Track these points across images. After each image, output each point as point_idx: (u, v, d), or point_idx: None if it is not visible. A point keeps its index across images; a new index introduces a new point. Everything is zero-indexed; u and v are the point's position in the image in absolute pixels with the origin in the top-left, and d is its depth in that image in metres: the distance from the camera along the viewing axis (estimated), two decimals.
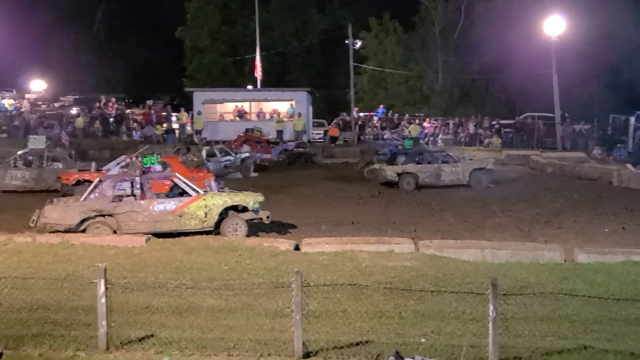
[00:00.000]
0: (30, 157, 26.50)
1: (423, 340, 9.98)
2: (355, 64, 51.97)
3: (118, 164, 24.20)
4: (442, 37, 59.48)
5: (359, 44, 55.83)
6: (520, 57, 50.27)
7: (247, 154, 32.25)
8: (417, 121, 46.01)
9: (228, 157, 30.52)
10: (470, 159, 29.53)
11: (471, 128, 46.07)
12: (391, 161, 29.02)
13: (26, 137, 39.67)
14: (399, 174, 27.46)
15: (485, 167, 28.24)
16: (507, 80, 55.36)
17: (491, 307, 9.28)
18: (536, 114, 47.37)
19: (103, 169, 23.78)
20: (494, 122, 46.27)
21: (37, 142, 27.61)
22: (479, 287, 10.91)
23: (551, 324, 10.69)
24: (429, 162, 28.13)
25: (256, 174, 30.82)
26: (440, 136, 46.70)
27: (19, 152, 27.17)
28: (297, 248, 15.54)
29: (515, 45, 49.43)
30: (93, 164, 25.40)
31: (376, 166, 28.80)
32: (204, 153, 29.34)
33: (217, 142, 32.83)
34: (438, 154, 29.24)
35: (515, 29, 49.55)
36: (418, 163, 28.04)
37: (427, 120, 48.34)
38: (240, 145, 35.68)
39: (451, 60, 58.96)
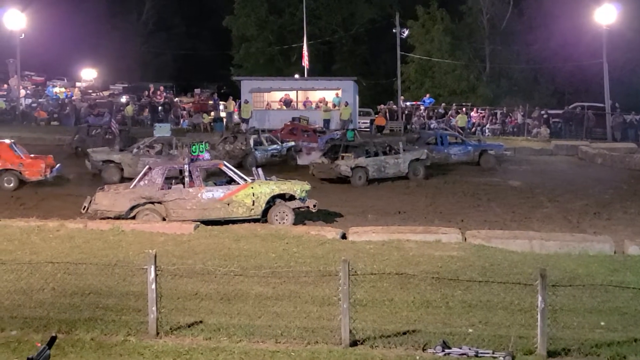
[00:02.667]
0: (157, 145, 27.09)
1: (470, 330, 9.96)
2: (402, 53, 51.76)
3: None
4: (490, 25, 58.91)
5: (406, 32, 55.48)
6: (569, 46, 49.66)
7: (293, 143, 32.19)
8: (464, 110, 45.64)
9: (274, 146, 30.44)
10: (404, 150, 27.86)
11: (519, 118, 45.59)
12: (332, 154, 27.08)
13: (76, 124, 40.47)
14: (352, 169, 25.57)
15: (420, 157, 27.20)
16: (556, 70, 54.71)
17: (540, 298, 9.22)
18: (585, 104, 46.70)
19: None
20: (542, 112, 45.71)
21: (162, 130, 28.62)
22: (527, 278, 10.86)
23: (600, 316, 10.60)
24: (375, 155, 26.62)
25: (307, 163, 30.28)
26: (487, 126, 46.29)
27: (146, 141, 27.72)
28: (344, 237, 15.57)
29: (565, 34, 48.85)
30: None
31: (318, 160, 26.88)
32: (251, 141, 29.20)
33: (263, 131, 32.63)
34: (379, 145, 27.62)
35: (565, 17, 48.92)
36: (367, 156, 26.37)
37: (474, 109, 47.92)
38: (288, 134, 35.75)
39: (499, 50, 58.37)
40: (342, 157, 26.21)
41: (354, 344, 9.45)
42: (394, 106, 48.42)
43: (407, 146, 29.03)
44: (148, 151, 26.57)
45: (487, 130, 45.71)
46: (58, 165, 24.81)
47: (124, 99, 52.40)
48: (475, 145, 32.51)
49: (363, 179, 25.59)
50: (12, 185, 23.14)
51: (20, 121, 46.04)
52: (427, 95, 51.87)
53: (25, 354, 7.19)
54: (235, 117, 45.80)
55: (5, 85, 54.46)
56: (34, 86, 58.60)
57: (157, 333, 9.79)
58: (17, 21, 46.82)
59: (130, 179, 24.44)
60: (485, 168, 30.34)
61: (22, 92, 51.54)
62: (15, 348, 9.31)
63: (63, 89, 55.88)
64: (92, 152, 26.63)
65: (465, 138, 33.77)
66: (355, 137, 29.58)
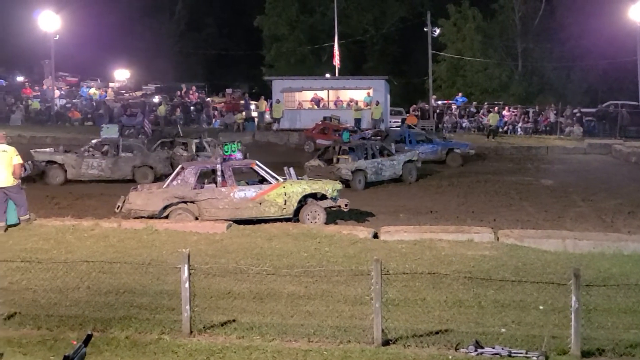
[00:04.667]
0: (105, 147, 26.45)
1: (503, 330, 9.91)
2: (434, 51, 51.61)
3: None
4: (522, 24, 58.61)
5: (437, 31, 55.33)
6: (603, 44, 49.18)
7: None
8: (496, 109, 45.40)
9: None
10: (397, 151, 27.62)
11: (551, 117, 45.26)
12: (328, 157, 26.37)
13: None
14: (352, 172, 24.62)
15: (413, 159, 26.93)
16: (589, 68, 54.26)
17: (573, 298, 9.16)
18: (619, 102, 46.24)
19: None
20: (575, 111, 45.32)
21: (110, 131, 27.55)
22: (560, 278, 10.79)
23: (635, 316, 10.48)
24: (373, 157, 25.86)
25: None
26: (519, 125, 46.02)
27: (93, 141, 27.28)
28: (375, 236, 15.54)
29: (598, 31, 48.38)
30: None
31: (314, 163, 25.67)
32: (193, 147, 27.80)
33: (201, 136, 29.93)
34: (375, 147, 26.74)
35: (598, 15, 48.49)
36: (365, 158, 25.62)
37: (506, 108, 47.65)
38: (319, 134, 35.81)
39: (531, 48, 58.08)
40: (338, 160, 25.55)
41: (386, 343, 9.45)
42: (426, 105, 48.29)
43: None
44: (93, 153, 26.05)
45: (519, 129, 45.46)
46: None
47: (156, 99, 52.87)
48: (442, 143, 32.83)
49: (362, 183, 24.88)
50: None
51: (54, 121, 46.65)
52: (460, 94, 51.72)
53: (62, 352, 7.29)
54: (267, 116, 46.01)
55: (44, 86, 55.11)
56: (68, 87, 59.31)
57: (191, 331, 9.84)
58: (51, 23, 47.39)
59: (74, 181, 24.82)
60: (452, 166, 30.59)
61: (57, 92, 52.22)
62: (51, 346, 9.43)
63: (96, 90, 56.50)
64: (35, 152, 26.01)
65: (432, 137, 33.87)
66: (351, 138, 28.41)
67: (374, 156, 25.84)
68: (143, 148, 26.70)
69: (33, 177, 24.26)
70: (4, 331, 10.03)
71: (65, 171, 25.32)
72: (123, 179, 25.18)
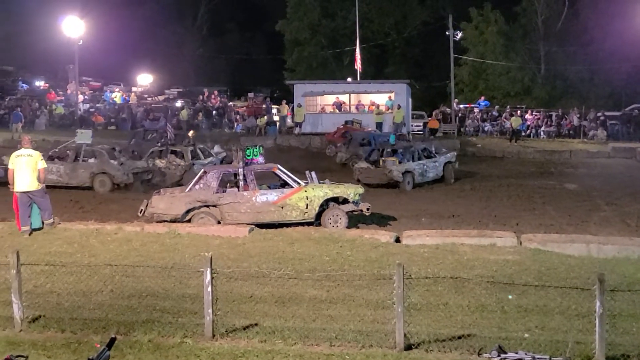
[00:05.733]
0: (68, 152, 25.75)
1: (526, 335, 9.86)
2: (456, 55, 51.48)
3: None
4: (545, 27, 58.31)
5: (459, 35, 55.22)
6: (627, 46, 48.84)
7: (225, 153, 29.69)
8: (518, 113, 45.19)
9: (210, 159, 27.65)
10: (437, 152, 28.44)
11: (575, 120, 44.96)
12: (375, 158, 27.10)
13: (133, 129, 41.09)
14: (402, 173, 25.59)
15: (451, 160, 27.90)
16: (612, 71, 53.86)
17: (598, 303, 9.09)
18: None
19: None
20: (599, 114, 45.00)
21: (83, 136, 26.02)
22: (584, 283, 10.71)
23: None
24: (419, 158, 26.78)
25: None
26: (542, 128, 45.78)
27: (61, 146, 26.90)
28: (397, 240, 15.51)
29: (622, 34, 48.00)
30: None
31: (363, 165, 26.70)
32: (189, 155, 26.84)
33: (193, 143, 28.90)
34: (420, 149, 27.74)
35: (622, 17, 48.12)
36: (413, 160, 26.52)
37: (529, 112, 47.42)
38: (341, 138, 35.74)
39: (554, 51, 57.72)
40: (383, 162, 26.19)
41: (408, 347, 9.43)
42: (447, 109, 48.17)
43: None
44: (54, 159, 24.94)
45: (542, 133, 45.23)
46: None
47: (179, 104, 53.09)
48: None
49: (411, 184, 25.75)
50: None
51: (78, 126, 46.88)
52: (482, 98, 51.56)
53: (86, 355, 7.31)
54: (289, 120, 46.08)
55: (67, 91, 55.54)
56: (92, 91, 59.73)
57: (213, 335, 9.87)
58: (76, 28, 47.74)
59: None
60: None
61: (80, 97, 52.54)
62: (75, 349, 9.50)
63: (120, 94, 56.84)
64: (5, 157, 25.31)
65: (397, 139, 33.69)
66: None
67: (419, 158, 26.74)
68: (104, 155, 25.32)
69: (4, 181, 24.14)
70: (28, 334, 10.13)
71: None
72: (82, 186, 24.52)
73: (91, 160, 25.28)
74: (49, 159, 23.64)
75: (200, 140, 31.55)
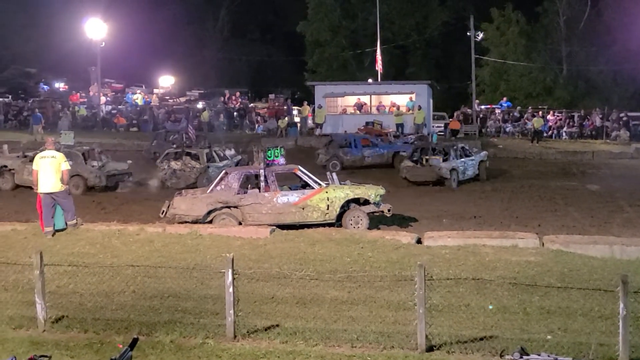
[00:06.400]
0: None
1: (549, 337, 9.80)
2: (477, 56, 51.31)
3: None
4: (567, 27, 57.95)
5: (480, 35, 54.99)
6: None
7: (240, 157, 29.66)
8: (540, 113, 44.95)
9: (226, 162, 27.36)
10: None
11: (597, 121, 44.66)
12: (418, 157, 27.70)
13: (154, 130, 41.28)
14: (449, 171, 26.29)
15: (484, 159, 28.83)
16: (636, 71, 53.42)
17: (621, 305, 9.03)
18: None
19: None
20: (621, 115, 44.66)
21: (66, 137, 26.22)
22: (607, 284, 10.63)
23: None
24: (460, 157, 27.58)
25: None
26: (564, 129, 45.51)
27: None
28: (419, 241, 15.48)
29: None
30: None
31: (409, 164, 27.21)
32: (204, 157, 26.64)
33: (209, 145, 29.05)
34: (460, 148, 28.51)
35: None
36: (456, 158, 27.23)
37: (551, 112, 47.15)
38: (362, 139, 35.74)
39: (576, 51, 57.38)
40: (426, 160, 26.76)
41: (430, 349, 9.41)
42: (469, 110, 48.02)
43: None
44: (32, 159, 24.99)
45: (564, 134, 44.97)
46: None
47: (200, 105, 53.26)
48: (388, 147, 33.02)
49: (456, 181, 26.47)
50: None
51: (100, 127, 47.29)
52: (504, 99, 51.32)
53: (108, 355, 7.36)
54: (310, 122, 46.12)
55: (90, 93, 55.89)
56: (114, 93, 60.02)
57: (235, 336, 9.89)
58: (98, 30, 48.09)
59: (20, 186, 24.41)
60: (398, 168, 29.77)
61: (102, 99, 52.86)
62: (98, 349, 9.57)
63: (141, 96, 57.12)
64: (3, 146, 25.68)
65: (377, 141, 33.88)
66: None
67: (461, 156, 27.52)
68: (78, 157, 24.87)
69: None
70: (51, 334, 10.22)
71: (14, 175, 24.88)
72: None
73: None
74: (30, 160, 23.63)
75: (217, 142, 31.57)
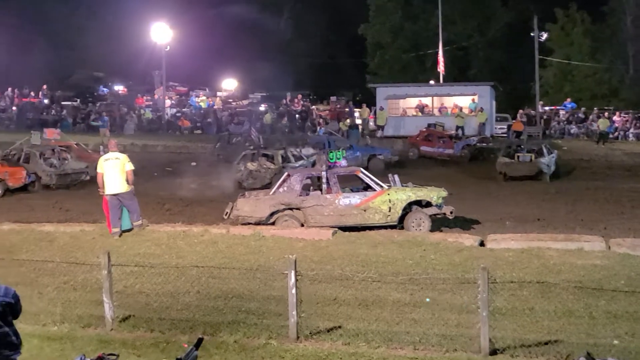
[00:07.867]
0: (13, 152, 26.45)
1: (616, 342, 9.64)
2: (541, 56, 50.62)
3: None
4: (634, 26, 56.77)
5: (544, 36, 54.23)
6: None
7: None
8: (606, 115, 44.14)
9: (302, 162, 27.63)
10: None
11: None
12: (512, 153, 29.56)
13: (218, 133, 41.76)
14: (547, 166, 28.33)
15: (556, 157, 30.53)
16: None
17: None
18: None
19: None
20: None
21: (35, 138, 27.11)
22: None
23: None
24: (548, 154, 29.49)
25: None
26: (631, 130, 44.60)
27: (13, 146, 27.57)
28: (482, 244, 15.33)
29: None
30: None
31: (506, 160, 28.99)
32: (280, 159, 26.93)
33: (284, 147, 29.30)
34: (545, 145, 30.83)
35: None
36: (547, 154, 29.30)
37: (617, 114, 46.27)
38: (424, 141, 35.65)
39: None
40: (518, 157, 28.85)
41: (493, 352, 9.34)
42: (532, 111, 47.41)
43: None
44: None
45: (630, 135, 44.08)
46: (32, 173, 25.50)
47: (262, 108, 53.66)
48: (363, 150, 33.02)
49: (549, 175, 28.35)
50: None
51: (165, 130, 48.03)
52: (569, 100, 50.52)
53: (174, 354, 7.48)
54: (371, 124, 46.11)
55: (155, 96, 56.78)
56: (178, 96, 60.86)
57: (297, 337, 9.96)
58: (164, 34, 48.85)
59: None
60: (374, 171, 29.27)
61: (167, 102, 53.65)
62: (163, 348, 9.74)
63: (205, 99, 57.81)
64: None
65: (353, 143, 33.95)
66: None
67: (549, 153, 29.62)
68: (35, 156, 25.78)
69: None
70: (119, 333, 10.44)
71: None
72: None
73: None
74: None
75: (289, 143, 31.73)
